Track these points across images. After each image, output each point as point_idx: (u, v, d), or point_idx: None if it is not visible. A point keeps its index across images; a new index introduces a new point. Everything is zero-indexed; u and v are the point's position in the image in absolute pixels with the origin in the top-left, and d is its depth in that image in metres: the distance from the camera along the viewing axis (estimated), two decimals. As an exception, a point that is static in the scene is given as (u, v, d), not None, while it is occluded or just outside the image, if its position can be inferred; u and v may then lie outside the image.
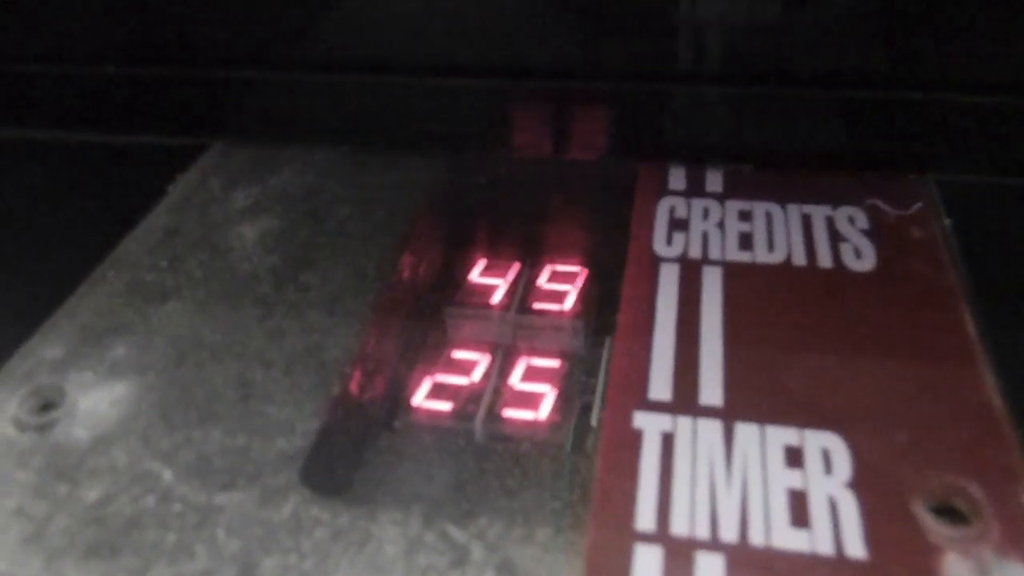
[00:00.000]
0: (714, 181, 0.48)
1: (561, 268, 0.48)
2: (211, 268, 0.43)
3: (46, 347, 0.38)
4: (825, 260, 0.42)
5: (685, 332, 0.39)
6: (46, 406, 0.36)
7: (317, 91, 0.50)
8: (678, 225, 0.45)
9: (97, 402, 0.36)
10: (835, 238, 0.44)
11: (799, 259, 0.43)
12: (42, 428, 0.35)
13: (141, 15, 0.49)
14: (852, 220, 0.45)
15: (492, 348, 0.43)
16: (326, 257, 0.43)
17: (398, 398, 0.40)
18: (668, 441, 0.34)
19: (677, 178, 0.49)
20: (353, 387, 0.37)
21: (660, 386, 0.36)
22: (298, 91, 0.50)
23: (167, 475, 0.32)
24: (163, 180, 0.49)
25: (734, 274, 0.42)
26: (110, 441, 0.34)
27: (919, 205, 0.45)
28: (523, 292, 0.46)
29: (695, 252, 0.43)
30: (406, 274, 0.43)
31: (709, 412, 0.35)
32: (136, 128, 0.52)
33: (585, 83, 0.48)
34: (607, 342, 0.42)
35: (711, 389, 0.36)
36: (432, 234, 0.47)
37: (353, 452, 0.35)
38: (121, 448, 0.34)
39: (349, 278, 0.42)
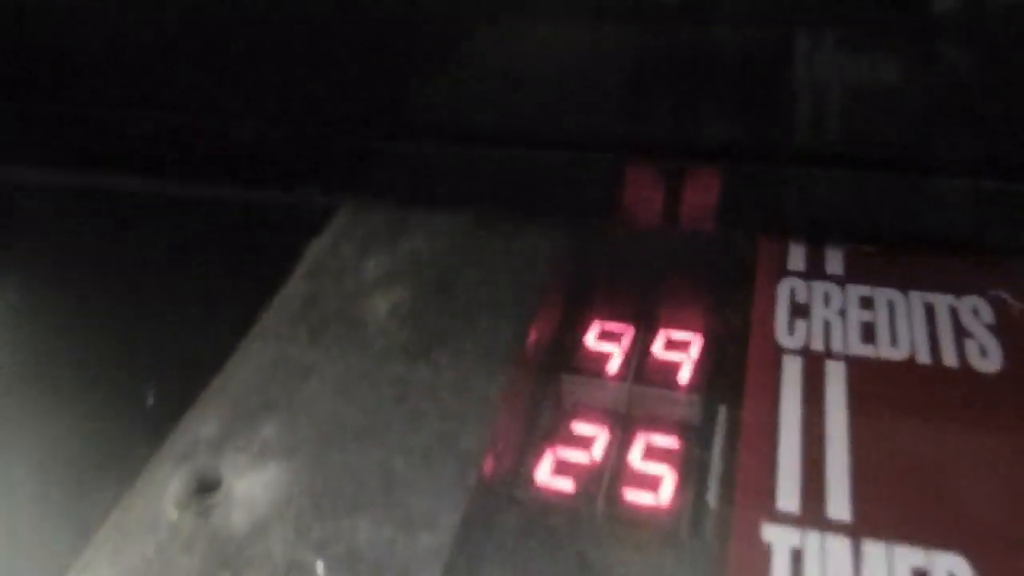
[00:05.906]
0: (834, 262, 0.49)
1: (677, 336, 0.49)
2: (347, 343, 0.45)
3: (201, 425, 0.41)
4: (950, 358, 0.43)
5: (810, 434, 0.39)
6: (204, 487, 0.38)
7: (446, 159, 0.52)
8: (799, 311, 0.46)
9: (252, 485, 0.38)
10: (959, 332, 0.44)
11: (923, 356, 0.43)
12: (202, 512, 0.37)
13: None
14: (976, 312, 0.45)
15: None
16: (456, 332, 0.45)
17: (525, 479, 0.42)
18: (797, 559, 0.35)
19: (796, 257, 0.49)
20: (488, 475, 0.39)
21: (788, 495, 0.37)
22: (428, 159, 0.52)
23: (320, 568, 0.35)
24: (295, 239, 0.51)
25: (858, 371, 0.42)
26: (266, 528, 0.36)
27: (1046, 298, 0.45)
28: (640, 360, 0.47)
29: (817, 344, 0.44)
30: (532, 352, 0.45)
31: (837, 527, 0.35)
32: (269, 186, 0.54)
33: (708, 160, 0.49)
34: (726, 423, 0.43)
35: (839, 500, 0.37)
36: (557, 305, 0.48)
37: (495, 551, 0.37)
38: (276, 536, 0.36)
39: (479, 356, 0.43)
